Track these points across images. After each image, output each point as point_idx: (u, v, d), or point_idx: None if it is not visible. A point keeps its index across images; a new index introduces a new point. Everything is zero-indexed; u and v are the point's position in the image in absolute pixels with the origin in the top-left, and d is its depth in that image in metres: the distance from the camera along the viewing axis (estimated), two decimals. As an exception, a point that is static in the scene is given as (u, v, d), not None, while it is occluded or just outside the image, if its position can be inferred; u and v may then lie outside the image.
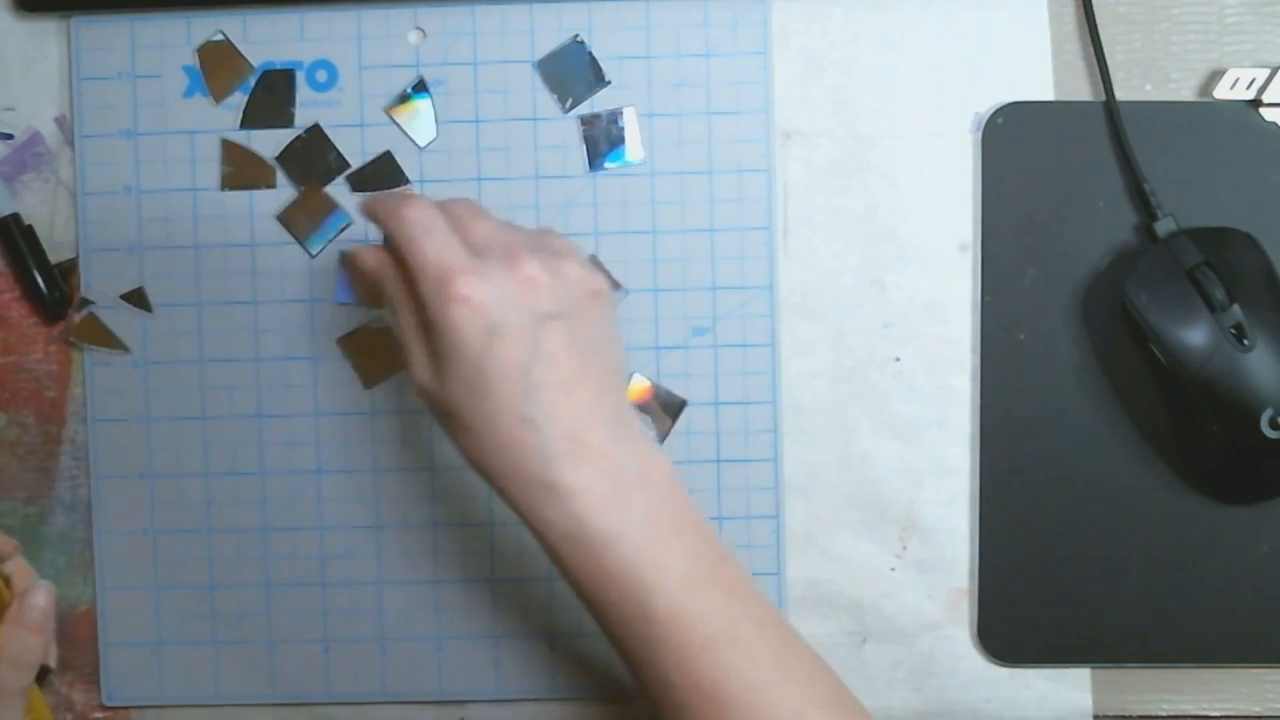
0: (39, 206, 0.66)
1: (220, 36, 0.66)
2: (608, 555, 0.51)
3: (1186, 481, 0.64)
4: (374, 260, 0.54)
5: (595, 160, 0.65)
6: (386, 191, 0.64)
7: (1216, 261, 0.61)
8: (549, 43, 0.65)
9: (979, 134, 0.65)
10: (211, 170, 0.66)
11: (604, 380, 0.53)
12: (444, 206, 0.54)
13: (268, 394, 0.66)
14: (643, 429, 0.54)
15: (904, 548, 0.65)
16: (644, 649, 0.51)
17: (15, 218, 0.66)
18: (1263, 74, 0.63)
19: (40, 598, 0.60)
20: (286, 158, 0.66)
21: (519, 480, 0.52)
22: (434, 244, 0.51)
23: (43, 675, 0.65)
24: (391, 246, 0.53)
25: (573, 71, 0.65)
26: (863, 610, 0.65)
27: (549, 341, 0.52)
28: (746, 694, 0.51)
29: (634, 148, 0.65)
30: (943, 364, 0.65)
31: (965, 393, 0.65)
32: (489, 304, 0.50)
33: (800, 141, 0.65)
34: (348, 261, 0.57)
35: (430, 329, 0.51)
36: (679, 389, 0.65)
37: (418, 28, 0.66)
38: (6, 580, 0.63)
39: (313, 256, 0.66)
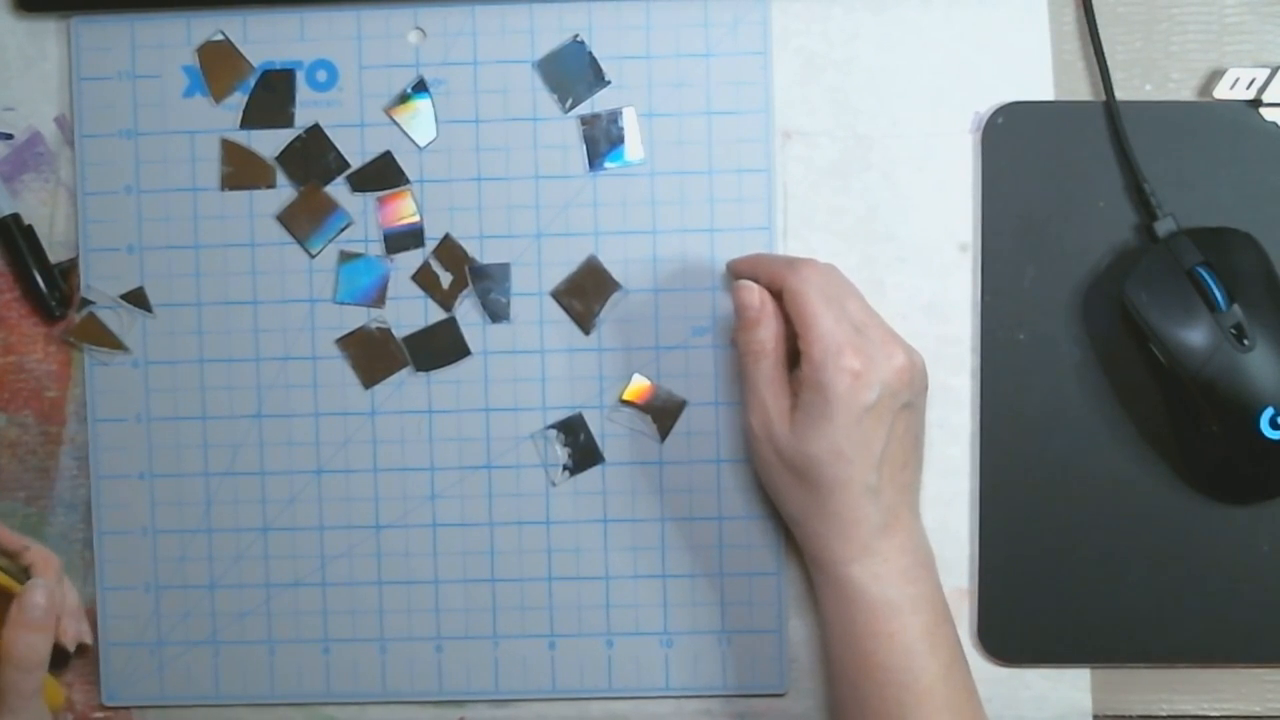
0: (39, 206, 0.66)
1: (220, 36, 0.66)
2: (894, 622, 0.57)
3: (1186, 481, 0.64)
4: (758, 300, 0.60)
5: (595, 160, 0.65)
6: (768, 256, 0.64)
7: (1216, 261, 0.61)
8: (549, 43, 0.65)
9: (979, 134, 0.65)
10: (211, 170, 0.66)
11: (919, 466, 0.62)
12: (829, 271, 0.60)
13: (268, 394, 0.66)
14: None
15: (904, 548, 0.65)
16: (898, 711, 0.57)
17: (15, 218, 0.66)
18: (1263, 74, 0.63)
19: (39, 596, 0.59)
20: (286, 158, 0.66)
21: (844, 540, 0.58)
22: (834, 313, 0.58)
23: (83, 653, 0.65)
24: (779, 298, 0.59)
25: (573, 71, 0.65)
26: (863, 610, 0.65)
27: (899, 425, 0.58)
28: None
29: (634, 148, 0.65)
30: (943, 364, 0.65)
31: (965, 393, 0.65)
32: (872, 383, 0.57)
33: (800, 141, 0.65)
34: (735, 293, 0.61)
35: (810, 388, 0.57)
36: (679, 389, 0.65)
37: (418, 28, 0.66)
38: (25, 572, 0.62)
39: (312, 256, 0.66)
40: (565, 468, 0.65)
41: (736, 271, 0.62)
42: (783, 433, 0.58)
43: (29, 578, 0.61)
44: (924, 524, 0.61)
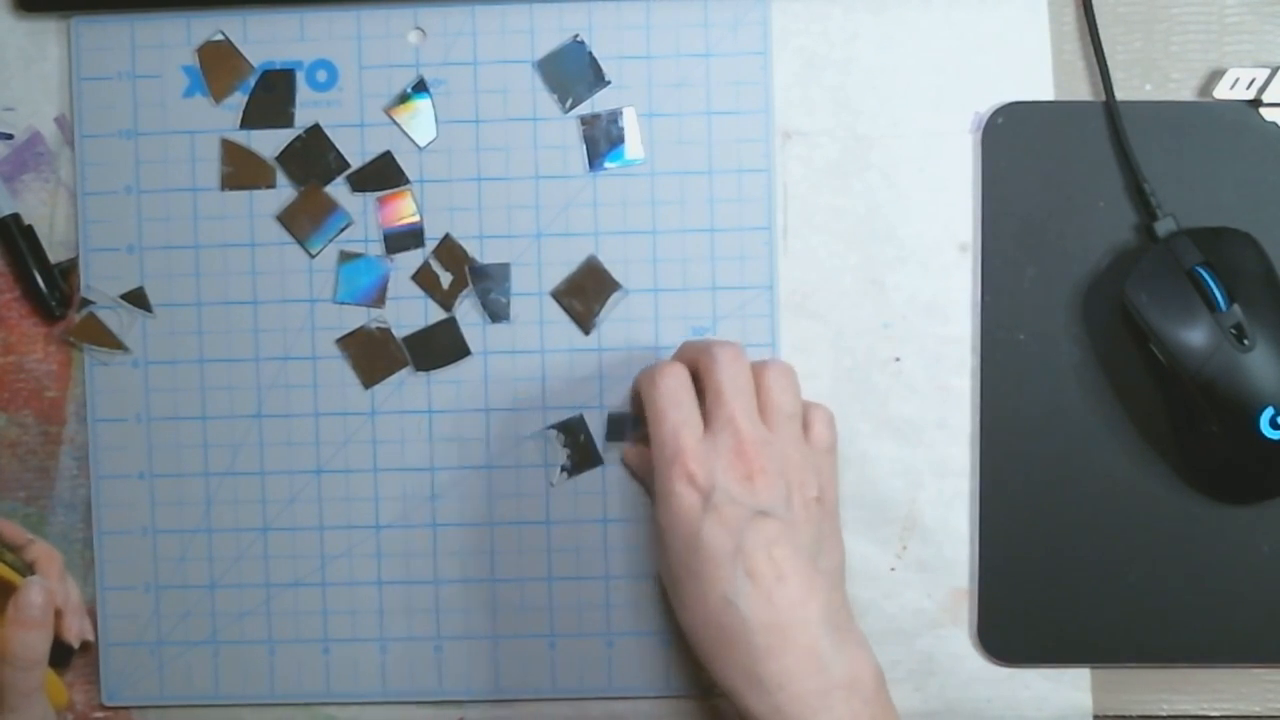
0: (39, 206, 0.66)
1: (220, 36, 0.66)
2: None
3: (1186, 481, 0.64)
4: (677, 379, 0.59)
5: (595, 160, 0.65)
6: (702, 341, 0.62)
7: (1216, 261, 0.61)
8: (549, 43, 0.65)
9: (979, 134, 0.65)
10: (211, 170, 0.66)
11: (814, 580, 0.55)
12: (711, 370, 0.57)
13: (268, 394, 0.66)
14: (859, 634, 0.56)
15: (904, 548, 0.65)
16: None
17: (15, 218, 0.66)
18: (1263, 74, 0.63)
19: (35, 594, 0.59)
20: (286, 158, 0.66)
21: (725, 663, 0.54)
22: (675, 417, 0.56)
23: (85, 651, 0.65)
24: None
25: (573, 71, 0.65)
26: (863, 610, 0.65)
27: (760, 535, 0.54)
28: None
29: (634, 148, 0.65)
30: (943, 364, 0.65)
31: (965, 393, 0.65)
32: (706, 486, 0.55)
33: (800, 141, 0.65)
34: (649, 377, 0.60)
35: (656, 498, 0.56)
36: (679, 389, 0.65)
37: (418, 28, 0.66)
38: (28, 568, 0.62)
39: (312, 256, 0.66)
40: (564, 468, 0.65)
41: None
42: (657, 544, 0.58)
43: (32, 573, 0.61)
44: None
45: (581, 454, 0.65)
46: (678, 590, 0.56)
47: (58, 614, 0.61)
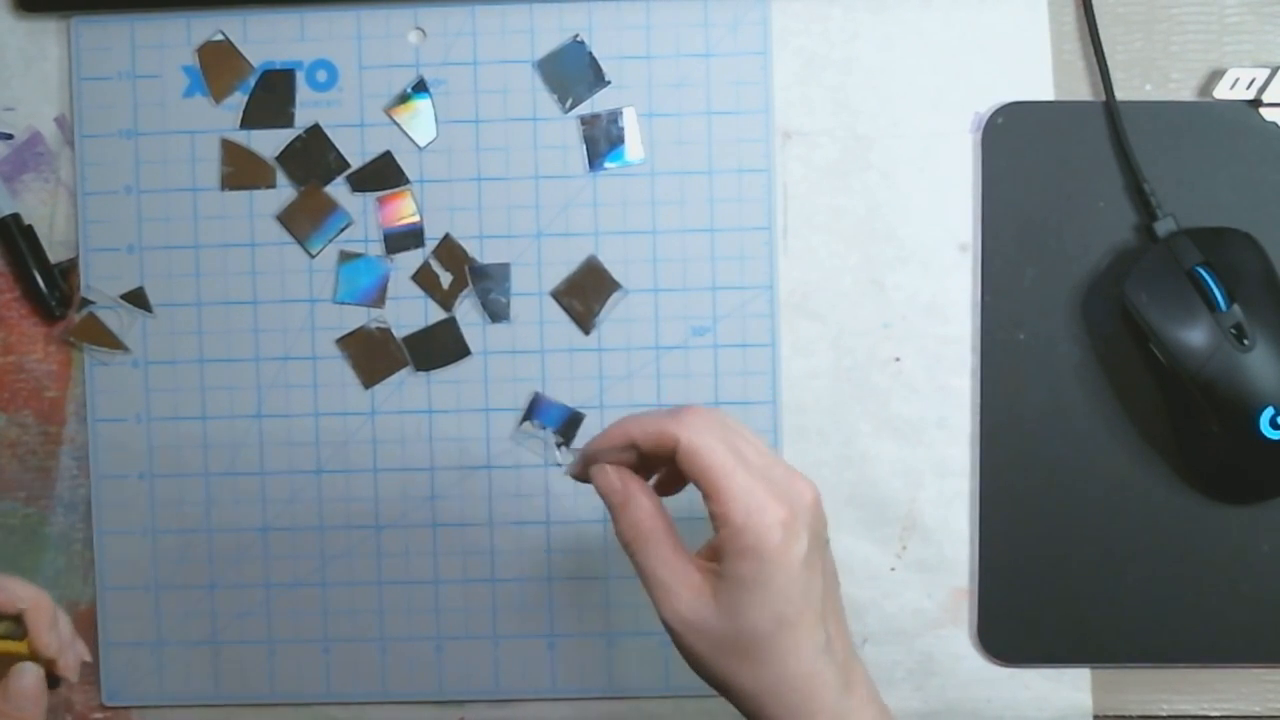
0: (39, 206, 0.66)
1: (220, 36, 0.66)
2: None
3: (1186, 481, 0.64)
4: (617, 480, 0.51)
5: (595, 160, 0.65)
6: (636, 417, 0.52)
7: (1216, 261, 0.61)
8: (549, 43, 0.65)
9: (979, 134, 0.65)
10: (211, 170, 0.66)
11: (841, 598, 0.52)
12: (715, 415, 0.51)
13: (268, 394, 0.66)
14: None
15: (904, 548, 0.65)
16: None
17: (15, 218, 0.66)
18: (1263, 74, 0.64)
19: (28, 681, 0.54)
20: (286, 158, 0.66)
21: (810, 710, 0.49)
22: (740, 462, 0.49)
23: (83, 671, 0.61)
24: (659, 459, 0.50)
25: (573, 71, 0.65)
26: (863, 610, 0.65)
27: (829, 565, 0.50)
28: None
29: (634, 148, 0.65)
30: (943, 364, 0.65)
31: (965, 393, 0.65)
32: (800, 529, 0.48)
33: (800, 141, 0.65)
34: (594, 480, 0.51)
35: (734, 555, 0.48)
36: (679, 389, 0.65)
37: (418, 28, 0.66)
38: (17, 621, 0.55)
39: (312, 256, 0.66)
40: (561, 465, 0.65)
41: (594, 454, 0.51)
42: (708, 615, 0.49)
43: (20, 626, 0.55)
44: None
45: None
46: (758, 653, 0.49)
47: (51, 663, 0.56)
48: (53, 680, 0.58)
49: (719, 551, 0.49)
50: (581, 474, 0.52)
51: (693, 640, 0.49)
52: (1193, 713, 0.65)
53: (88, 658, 0.59)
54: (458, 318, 0.66)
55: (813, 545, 0.49)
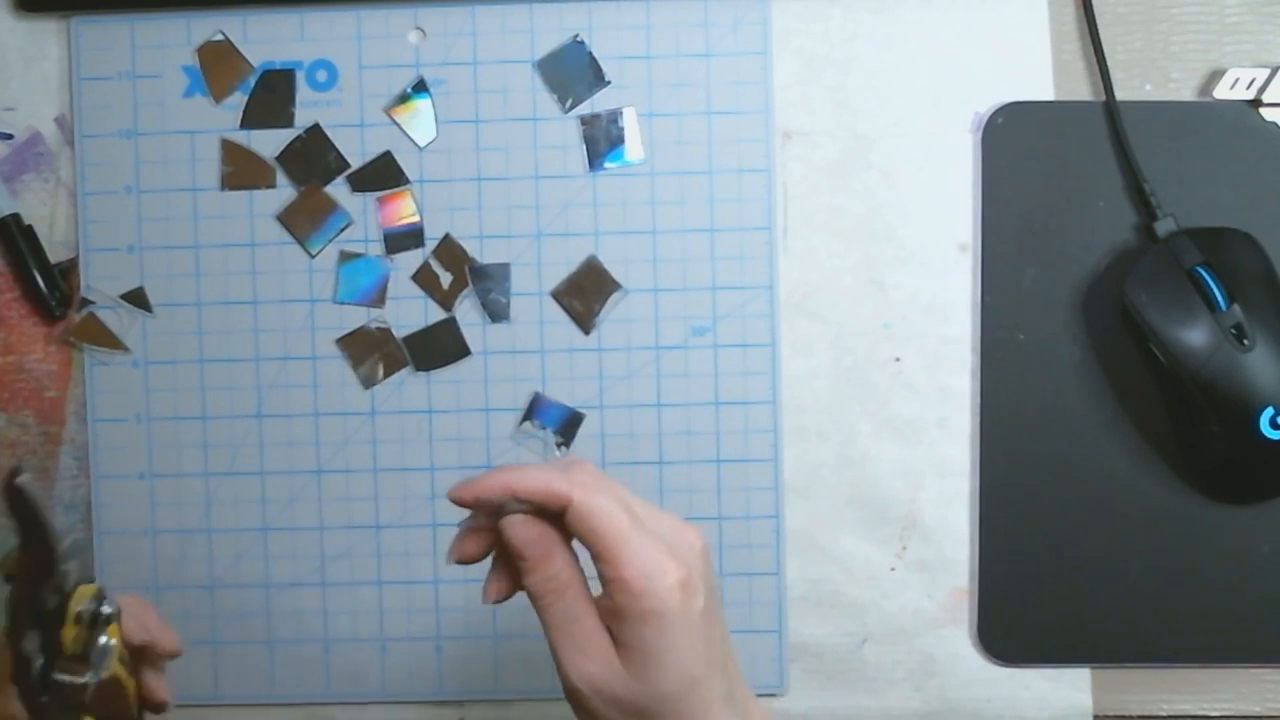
0: (39, 206, 0.66)
1: (220, 36, 0.66)
2: None
3: (1186, 481, 0.64)
4: (536, 532, 0.48)
5: (595, 160, 0.65)
6: (521, 468, 0.49)
7: (1216, 261, 0.61)
8: (549, 43, 0.65)
9: (979, 134, 0.65)
10: (211, 170, 0.66)
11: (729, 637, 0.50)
12: (595, 469, 0.49)
13: (268, 394, 0.66)
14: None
15: (904, 548, 0.65)
16: None
17: (15, 218, 0.66)
18: (1263, 74, 0.63)
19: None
20: (286, 158, 0.66)
21: None
22: (632, 521, 0.46)
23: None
24: (553, 520, 0.47)
25: (573, 71, 0.65)
26: (863, 610, 0.65)
27: (719, 613, 0.48)
28: None
29: (634, 148, 0.65)
30: (943, 364, 0.65)
31: (965, 393, 0.65)
32: (697, 585, 0.46)
33: (800, 141, 0.65)
34: (507, 531, 0.48)
35: (634, 620, 0.46)
36: (679, 389, 0.65)
37: (418, 28, 0.66)
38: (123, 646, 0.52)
39: (312, 256, 0.66)
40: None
41: (477, 500, 0.49)
42: (613, 679, 0.46)
43: (128, 650, 0.52)
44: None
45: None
46: (668, 716, 0.47)
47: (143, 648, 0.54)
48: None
49: (616, 615, 0.46)
50: (474, 541, 0.50)
51: (597, 704, 0.47)
52: (1193, 713, 0.65)
53: (176, 646, 0.56)
54: (458, 318, 0.66)
55: (709, 597, 0.47)
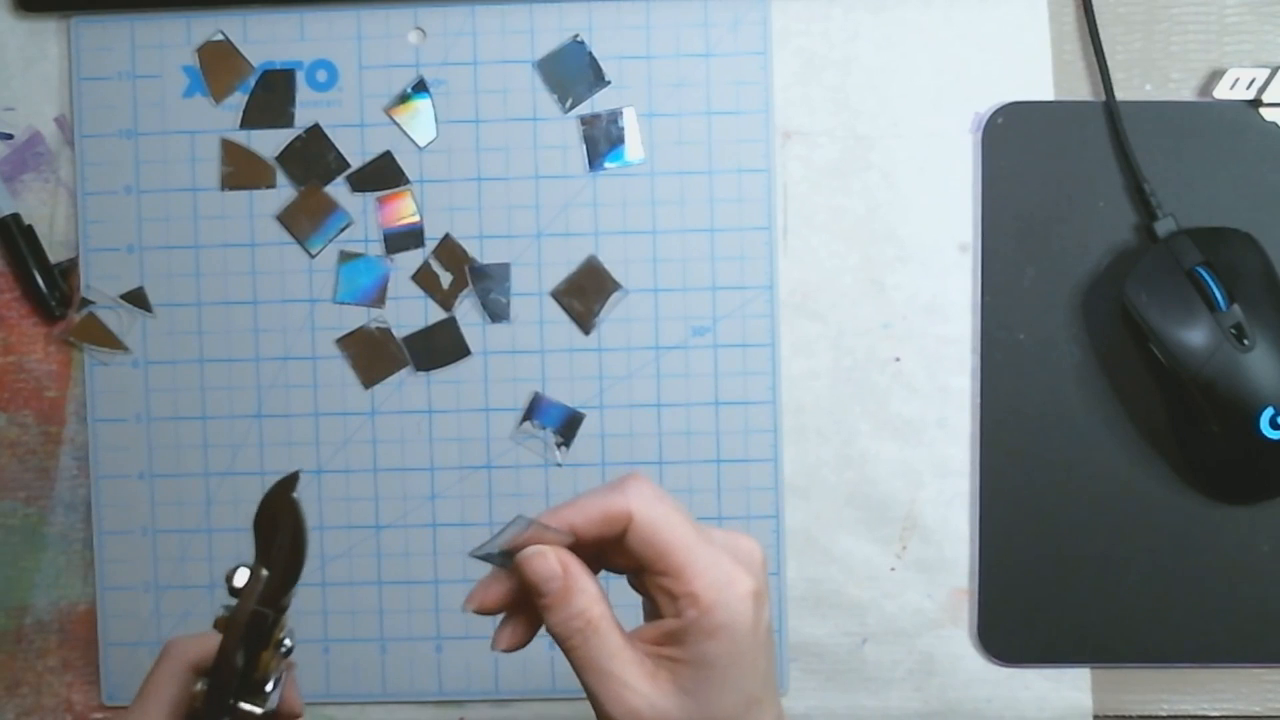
0: (39, 206, 0.66)
1: (220, 36, 0.66)
2: None
3: (1186, 481, 0.64)
4: (557, 565, 0.44)
5: (595, 160, 0.65)
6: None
7: (1216, 261, 0.61)
8: (549, 43, 0.65)
9: (979, 134, 0.65)
10: (211, 170, 0.66)
11: None
12: (653, 482, 0.46)
13: (268, 394, 0.66)
14: None
15: (904, 548, 0.65)
16: None
17: (15, 218, 0.66)
18: (1263, 74, 0.63)
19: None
20: (286, 158, 0.66)
21: None
22: (697, 531, 0.44)
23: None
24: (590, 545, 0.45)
25: (573, 71, 0.65)
26: (863, 610, 0.65)
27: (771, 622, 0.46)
28: None
29: (634, 148, 0.65)
30: (943, 364, 0.65)
31: (965, 393, 0.65)
32: (767, 594, 0.45)
33: (800, 141, 0.65)
34: (524, 567, 0.45)
35: (701, 637, 0.43)
36: (679, 389, 0.65)
37: (418, 28, 0.66)
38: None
39: (312, 256, 0.66)
40: (560, 466, 0.65)
41: (525, 541, 0.45)
42: (668, 708, 0.44)
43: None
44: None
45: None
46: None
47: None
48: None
49: (680, 634, 0.44)
50: (501, 563, 0.46)
51: None
52: (1193, 713, 0.65)
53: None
54: (458, 318, 0.66)
55: (769, 612, 0.45)
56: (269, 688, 0.46)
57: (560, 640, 0.45)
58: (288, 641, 0.47)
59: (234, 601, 0.45)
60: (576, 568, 0.45)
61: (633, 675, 0.44)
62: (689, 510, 0.45)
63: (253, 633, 0.45)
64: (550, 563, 0.44)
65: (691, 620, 0.43)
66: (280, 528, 0.45)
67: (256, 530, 0.46)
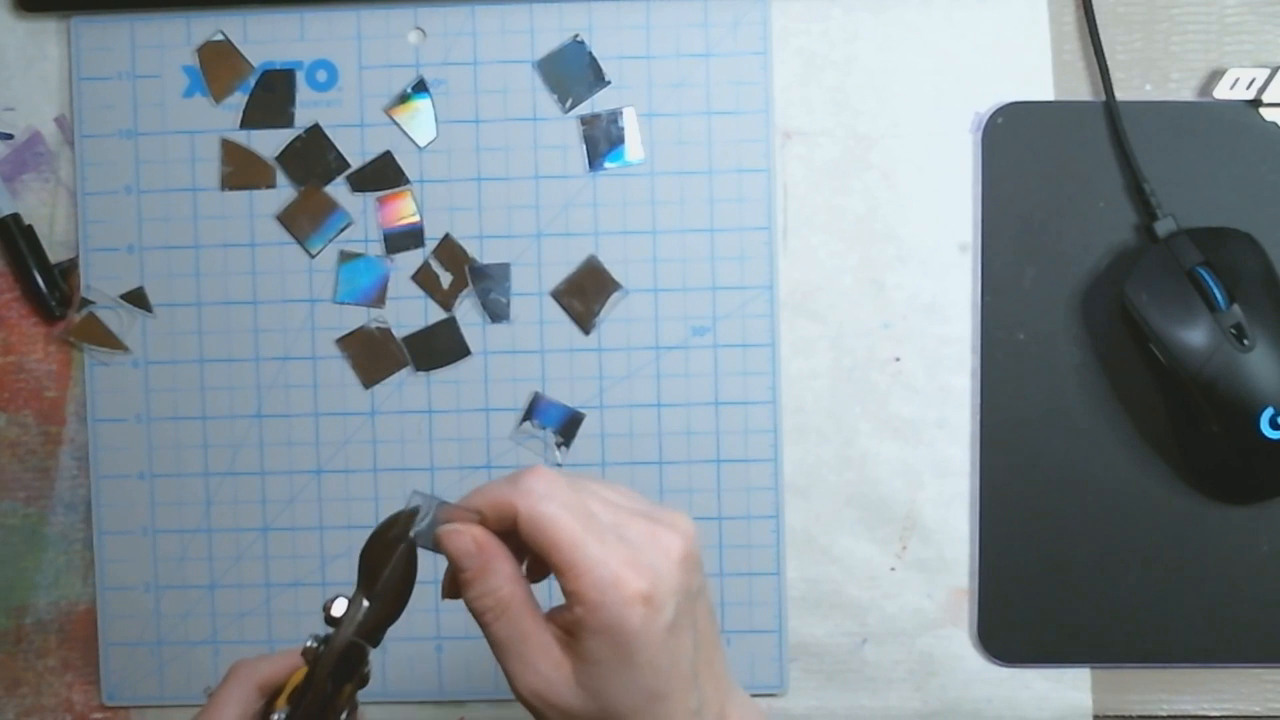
0: (39, 206, 0.66)
1: (220, 36, 0.66)
2: None
3: (1186, 481, 0.64)
4: (473, 544, 0.45)
5: (595, 160, 0.65)
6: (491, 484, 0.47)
7: (1216, 261, 0.61)
8: (549, 43, 0.65)
9: (979, 134, 0.65)
10: (211, 170, 0.66)
11: (719, 636, 0.48)
12: (556, 477, 0.46)
13: (268, 394, 0.66)
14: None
15: (904, 548, 0.65)
16: None
17: (15, 218, 0.66)
18: (1263, 74, 0.63)
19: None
20: (286, 158, 0.66)
21: None
22: (591, 529, 0.44)
23: None
24: (505, 527, 0.45)
25: (573, 71, 0.65)
26: (863, 610, 0.65)
27: (700, 620, 0.46)
28: None
29: (634, 148, 0.65)
30: (943, 364, 0.65)
31: (965, 393, 0.65)
32: (665, 598, 0.44)
33: (800, 141, 0.65)
34: (443, 543, 0.46)
35: (591, 634, 0.44)
36: (679, 389, 0.65)
37: (418, 28, 0.66)
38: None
39: (312, 256, 0.66)
40: (560, 466, 0.65)
41: (446, 516, 0.46)
42: (568, 693, 0.44)
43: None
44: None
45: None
46: None
47: None
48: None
49: (574, 628, 0.44)
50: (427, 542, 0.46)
51: (551, 715, 0.45)
52: (1193, 713, 0.65)
53: None
54: (458, 318, 0.66)
55: (682, 607, 0.45)
56: (344, 717, 0.47)
57: (475, 616, 0.46)
58: (366, 672, 0.48)
59: (323, 631, 0.46)
60: (493, 548, 0.45)
61: (539, 658, 0.45)
62: (624, 502, 0.46)
63: (344, 664, 0.46)
64: (466, 541, 0.45)
65: (579, 618, 0.44)
66: (391, 563, 0.45)
67: (362, 560, 0.46)
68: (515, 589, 0.45)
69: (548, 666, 0.45)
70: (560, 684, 0.45)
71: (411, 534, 0.46)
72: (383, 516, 0.65)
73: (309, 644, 0.46)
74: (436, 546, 0.46)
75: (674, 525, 0.46)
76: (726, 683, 0.47)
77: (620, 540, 0.44)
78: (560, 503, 0.44)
